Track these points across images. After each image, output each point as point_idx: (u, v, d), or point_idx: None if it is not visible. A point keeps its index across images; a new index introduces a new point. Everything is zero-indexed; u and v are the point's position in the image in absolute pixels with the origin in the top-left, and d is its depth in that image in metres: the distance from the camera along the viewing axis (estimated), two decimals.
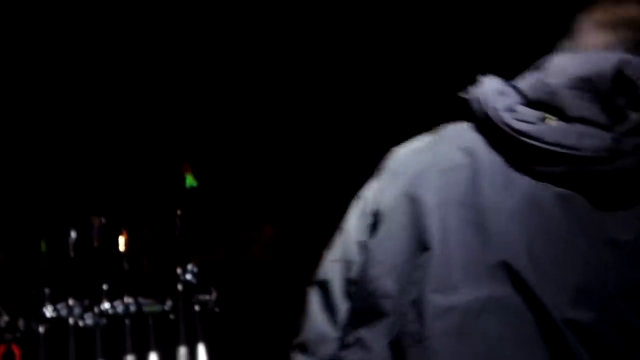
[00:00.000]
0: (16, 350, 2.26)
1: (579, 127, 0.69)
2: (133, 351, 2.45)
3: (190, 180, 2.83)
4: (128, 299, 2.52)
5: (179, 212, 2.75)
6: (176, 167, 2.81)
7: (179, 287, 2.63)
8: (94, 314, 2.45)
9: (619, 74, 0.69)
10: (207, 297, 2.68)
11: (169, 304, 2.60)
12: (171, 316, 2.58)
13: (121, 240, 2.63)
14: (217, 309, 2.69)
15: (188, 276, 2.65)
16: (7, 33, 2.54)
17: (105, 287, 2.49)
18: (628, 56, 0.72)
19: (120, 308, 2.49)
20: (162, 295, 2.60)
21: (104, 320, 2.47)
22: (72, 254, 2.49)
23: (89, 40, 2.81)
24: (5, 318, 2.29)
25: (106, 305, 2.48)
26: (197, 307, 2.66)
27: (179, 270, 2.64)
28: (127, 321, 2.49)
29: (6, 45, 2.59)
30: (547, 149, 0.68)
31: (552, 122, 0.70)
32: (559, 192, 0.68)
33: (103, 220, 2.63)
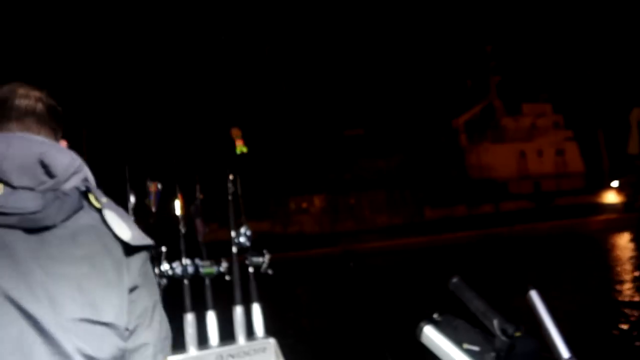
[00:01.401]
0: None
1: (21, 192, 1.07)
2: (192, 310, 2.55)
3: (241, 147, 2.88)
4: (186, 261, 2.61)
5: (231, 177, 2.81)
6: (229, 134, 2.86)
7: (234, 250, 2.71)
8: (155, 275, 2.55)
9: (40, 159, 1.11)
10: (260, 259, 2.74)
11: (224, 265, 2.68)
12: (227, 277, 2.67)
13: (177, 204, 2.72)
14: (270, 272, 2.75)
15: (242, 239, 2.72)
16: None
17: (164, 249, 2.59)
18: (44, 142, 1.16)
19: (178, 269, 2.59)
20: (217, 258, 2.69)
21: (164, 281, 2.58)
22: (132, 217, 2.59)
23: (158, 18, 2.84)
24: None
25: (165, 266, 2.58)
26: (250, 269, 2.73)
27: (233, 234, 2.71)
28: (185, 282, 2.59)
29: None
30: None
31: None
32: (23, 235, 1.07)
33: (159, 185, 2.71)
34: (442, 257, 21.84)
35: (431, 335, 2.07)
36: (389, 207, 36.23)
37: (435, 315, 2.08)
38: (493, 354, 1.91)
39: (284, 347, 2.62)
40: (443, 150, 41.72)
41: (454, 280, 2.09)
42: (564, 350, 1.73)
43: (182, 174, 2.82)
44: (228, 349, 2.51)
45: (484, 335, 1.98)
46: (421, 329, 2.11)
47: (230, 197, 2.75)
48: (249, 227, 2.76)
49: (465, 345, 1.93)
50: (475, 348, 1.90)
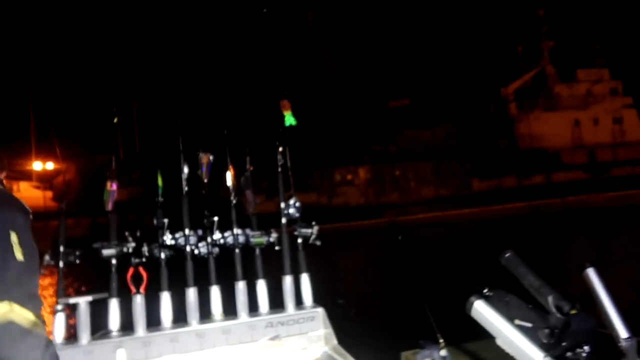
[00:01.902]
0: (143, 273, 2.50)
1: None
2: (243, 278, 2.63)
3: (289, 119, 2.88)
4: (237, 231, 2.68)
5: (280, 149, 2.82)
6: (278, 106, 2.86)
7: (283, 221, 2.75)
8: (207, 244, 2.63)
9: None
10: (308, 231, 2.77)
11: (273, 236, 2.73)
12: (276, 247, 2.72)
13: (228, 175, 2.77)
14: (318, 243, 2.78)
15: (291, 210, 2.75)
16: None
17: (216, 219, 2.66)
18: None
19: (230, 239, 2.66)
20: (267, 228, 2.74)
21: (216, 249, 2.65)
22: (185, 188, 2.67)
23: None
24: (132, 244, 2.53)
25: (217, 235, 2.65)
26: (299, 240, 2.77)
27: (282, 205, 2.75)
28: (237, 251, 2.66)
29: None
30: None
31: None
32: None
33: (211, 157, 2.77)
34: (491, 230, 21.42)
35: (482, 309, 2.05)
36: (436, 179, 35.68)
37: (485, 290, 2.05)
38: (547, 331, 1.87)
39: (331, 316, 2.66)
40: (492, 119, 40.45)
41: (507, 254, 2.04)
42: (622, 330, 1.68)
43: (233, 146, 2.86)
44: (278, 316, 2.58)
45: (538, 311, 1.93)
46: (471, 304, 2.08)
47: (279, 169, 2.77)
48: (298, 199, 2.79)
49: (517, 321, 1.90)
50: (528, 324, 1.86)
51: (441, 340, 2.81)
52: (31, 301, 1.48)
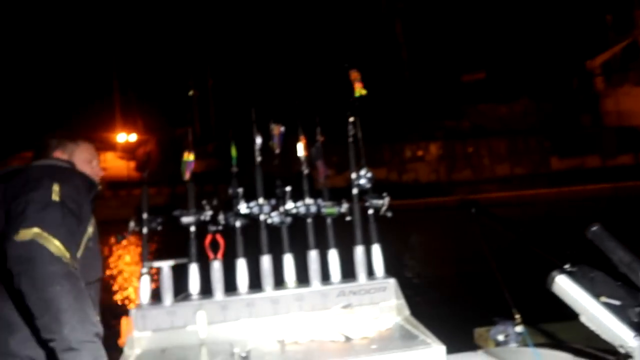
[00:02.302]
0: (220, 240, 2.60)
1: None
2: (315, 247, 2.66)
3: (360, 90, 2.84)
4: (309, 201, 2.71)
5: (351, 119, 2.80)
6: (348, 76, 2.83)
7: (354, 191, 2.74)
8: (280, 213, 2.69)
9: None
10: (380, 202, 2.75)
11: (345, 206, 2.74)
12: (347, 218, 2.73)
13: (300, 146, 2.79)
14: (389, 214, 2.75)
15: (362, 181, 2.73)
16: None
17: (288, 189, 2.70)
18: None
19: (302, 209, 2.69)
20: (339, 198, 2.74)
21: (289, 219, 2.70)
22: (258, 158, 2.72)
23: None
24: (209, 213, 2.63)
25: (290, 205, 2.69)
26: (370, 211, 2.76)
27: (353, 175, 2.74)
28: (308, 220, 2.69)
29: None
30: None
31: None
32: None
33: (283, 128, 2.80)
34: (571, 211, 20.31)
35: (564, 285, 1.95)
36: (511, 156, 34.17)
37: (567, 266, 1.95)
38: (638, 310, 1.77)
39: (403, 289, 2.64)
40: (575, 94, 37.97)
41: (594, 227, 1.92)
42: None
43: (304, 117, 2.88)
44: (349, 285, 2.60)
45: (627, 289, 1.82)
46: (553, 279, 1.99)
47: (350, 139, 2.76)
48: (369, 170, 2.77)
49: (604, 299, 1.79)
50: (616, 302, 1.75)
51: (517, 316, 2.72)
52: (64, 236, 1.55)
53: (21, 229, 1.45)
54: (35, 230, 1.47)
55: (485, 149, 34.33)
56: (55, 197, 1.70)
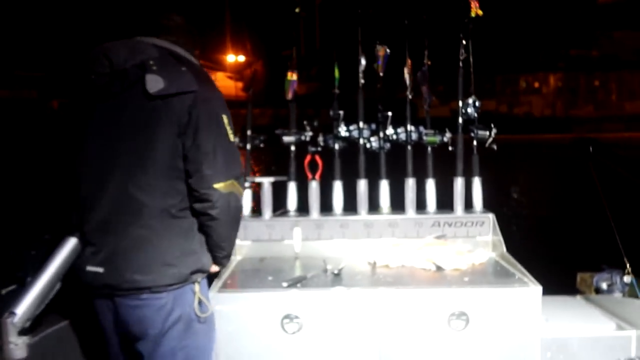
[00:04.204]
0: (319, 161, 2.64)
1: None
2: (413, 175, 2.61)
3: (475, 9, 2.62)
4: (410, 128, 2.63)
5: (463, 42, 2.62)
6: None
7: (459, 120, 2.62)
8: (380, 138, 2.65)
9: None
10: (486, 133, 2.61)
11: (447, 136, 2.63)
12: (449, 148, 2.63)
13: (405, 70, 2.68)
14: (494, 147, 2.61)
15: (469, 110, 2.59)
16: None
17: (389, 114, 2.64)
18: None
19: (402, 135, 2.63)
20: (448, 126, 2.64)
21: (387, 145, 2.66)
22: (362, 81, 2.66)
23: None
24: (309, 134, 2.66)
25: (390, 131, 2.64)
26: (474, 143, 2.63)
27: (460, 103, 2.60)
28: (408, 148, 2.63)
29: None
30: None
31: None
32: None
33: (388, 50, 2.68)
34: None
35: None
36: None
37: None
38: None
39: (502, 225, 2.54)
40: None
41: None
42: None
43: (411, 39, 2.73)
44: (445, 216, 2.55)
45: None
46: None
47: (460, 64, 2.59)
48: (477, 98, 2.61)
49: None
50: None
51: (627, 266, 2.53)
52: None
53: (223, 182, 1.66)
54: (232, 182, 1.70)
55: (615, 82, 30.81)
56: (231, 137, 1.74)
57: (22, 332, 1.65)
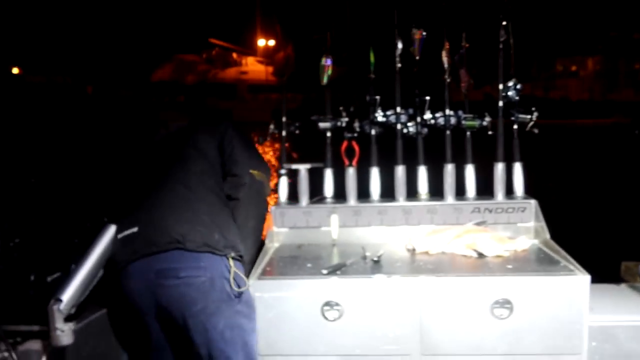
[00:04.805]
0: (355, 147, 2.61)
1: None
2: (452, 161, 2.56)
3: None
4: (449, 112, 2.57)
5: (504, 23, 2.53)
6: None
7: (500, 103, 2.54)
8: (417, 123, 2.60)
9: None
10: (527, 117, 2.53)
11: (487, 120, 2.56)
12: (489, 132, 2.56)
13: (443, 53, 2.61)
14: (535, 130, 2.53)
15: (510, 93, 2.51)
16: None
17: (427, 98, 2.58)
18: None
19: (441, 120, 2.57)
20: (481, 111, 2.57)
21: (425, 130, 2.61)
22: (398, 65, 2.61)
23: None
24: (345, 119, 2.63)
25: (428, 115, 2.59)
26: (515, 127, 2.55)
27: (500, 86, 2.52)
28: (447, 132, 2.57)
29: None
30: None
31: None
32: None
33: (424, 33, 2.62)
34: None
35: None
36: None
37: None
38: None
39: (545, 210, 2.47)
40: None
41: None
42: None
43: (449, 21, 2.66)
44: (485, 202, 2.49)
45: None
46: None
47: (500, 46, 2.51)
48: (518, 81, 2.52)
49: None
50: None
51: None
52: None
53: (257, 170, 1.98)
54: (264, 175, 2.01)
55: None
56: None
57: (68, 318, 1.69)
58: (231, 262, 1.77)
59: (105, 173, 2.15)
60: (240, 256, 1.84)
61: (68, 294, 1.70)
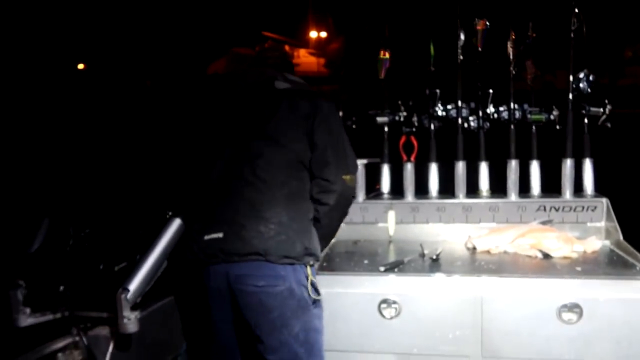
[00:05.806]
0: (414, 142, 2.55)
1: None
2: (516, 157, 2.45)
3: None
4: (513, 105, 2.46)
5: (576, 10, 2.39)
6: None
7: (570, 96, 2.41)
8: (479, 117, 2.51)
9: None
10: (599, 110, 2.38)
11: (555, 113, 2.44)
12: (557, 126, 2.43)
13: (508, 44, 2.50)
14: (609, 125, 2.38)
15: (581, 85, 2.38)
16: None
17: (491, 91, 2.48)
18: None
19: (505, 113, 2.47)
20: (548, 104, 2.44)
21: (487, 124, 2.51)
22: (460, 57, 2.52)
23: None
24: (403, 114, 2.58)
25: (491, 109, 2.49)
26: (586, 120, 2.42)
27: (571, 77, 2.39)
28: (511, 127, 2.46)
29: None
30: None
31: None
32: None
33: (487, 23, 2.52)
34: None
35: None
36: None
37: None
38: None
39: (617, 209, 2.33)
40: None
41: None
42: None
43: (513, 10, 2.54)
44: (552, 200, 2.37)
45: None
46: None
47: (572, 35, 2.37)
48: (591, 72, 2.38)
49: None
50: None
51: None
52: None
53: (349, 175, 1.86)
54: (352, 177, 1.89)
55: None
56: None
57: (134, 307, 1.75)
58: (309, 270, 1.76)
59: (171, 163, 2.15)
60: (317, 259, 1.82)
61: (135, 284, 1.76)
